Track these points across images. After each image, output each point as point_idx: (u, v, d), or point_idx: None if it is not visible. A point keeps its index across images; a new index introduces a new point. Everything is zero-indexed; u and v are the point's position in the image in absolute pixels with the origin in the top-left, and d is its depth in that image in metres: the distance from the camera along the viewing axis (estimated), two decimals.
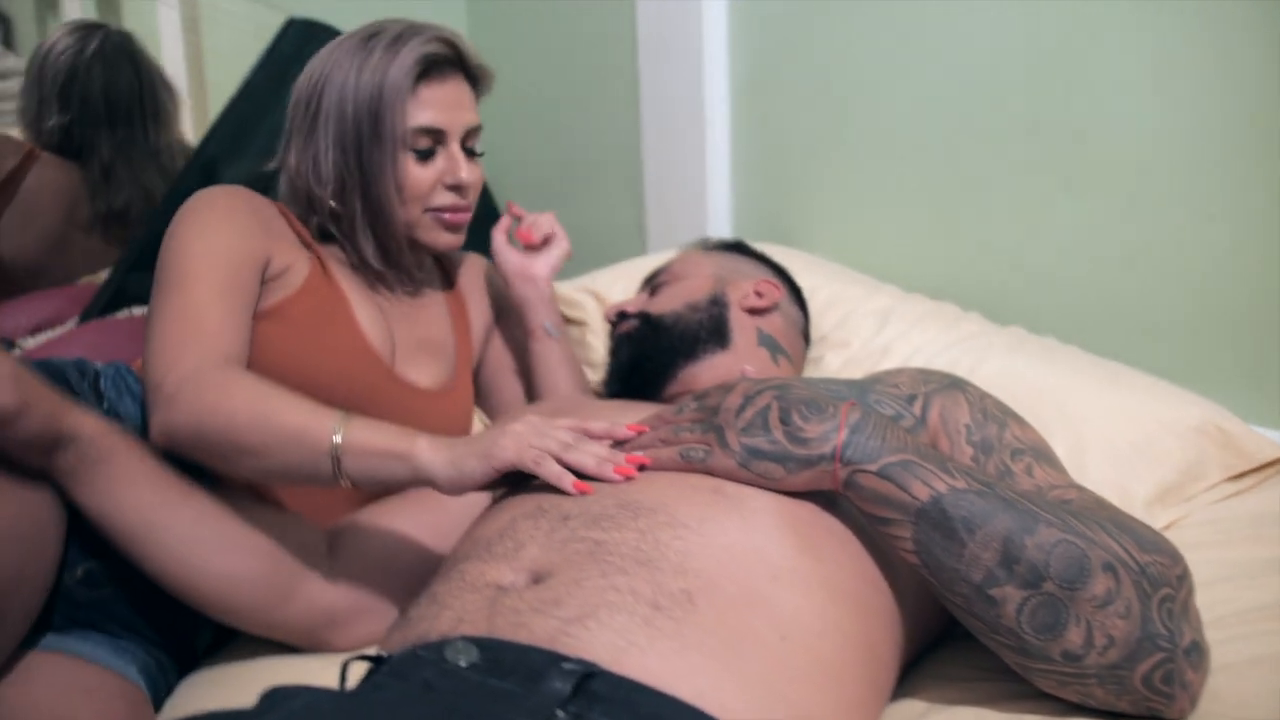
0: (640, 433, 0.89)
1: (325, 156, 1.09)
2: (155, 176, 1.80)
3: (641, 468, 0.85)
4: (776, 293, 1.18)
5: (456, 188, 1.12)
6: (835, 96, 1.56)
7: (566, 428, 0.87)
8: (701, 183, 1.72)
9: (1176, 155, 1.21)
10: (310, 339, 1.06)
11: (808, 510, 0.80)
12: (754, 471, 0.80)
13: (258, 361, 1.02)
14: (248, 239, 1.04)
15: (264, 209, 1.10)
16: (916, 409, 0.94)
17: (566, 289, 1.52)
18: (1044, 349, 1.23)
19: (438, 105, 1.09)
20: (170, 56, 2.44)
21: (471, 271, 1.31)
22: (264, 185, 1.16)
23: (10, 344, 1.48)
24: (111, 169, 1.74)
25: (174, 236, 1.02)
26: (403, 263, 1.16)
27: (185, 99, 2.43)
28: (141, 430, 0.98)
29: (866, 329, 1.31)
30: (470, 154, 1.14)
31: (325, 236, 1.15)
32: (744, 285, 1.18)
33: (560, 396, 1.22)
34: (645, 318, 1.17)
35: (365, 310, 1.12)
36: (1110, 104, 1.25)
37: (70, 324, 1.55)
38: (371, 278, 1.16)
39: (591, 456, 0.84)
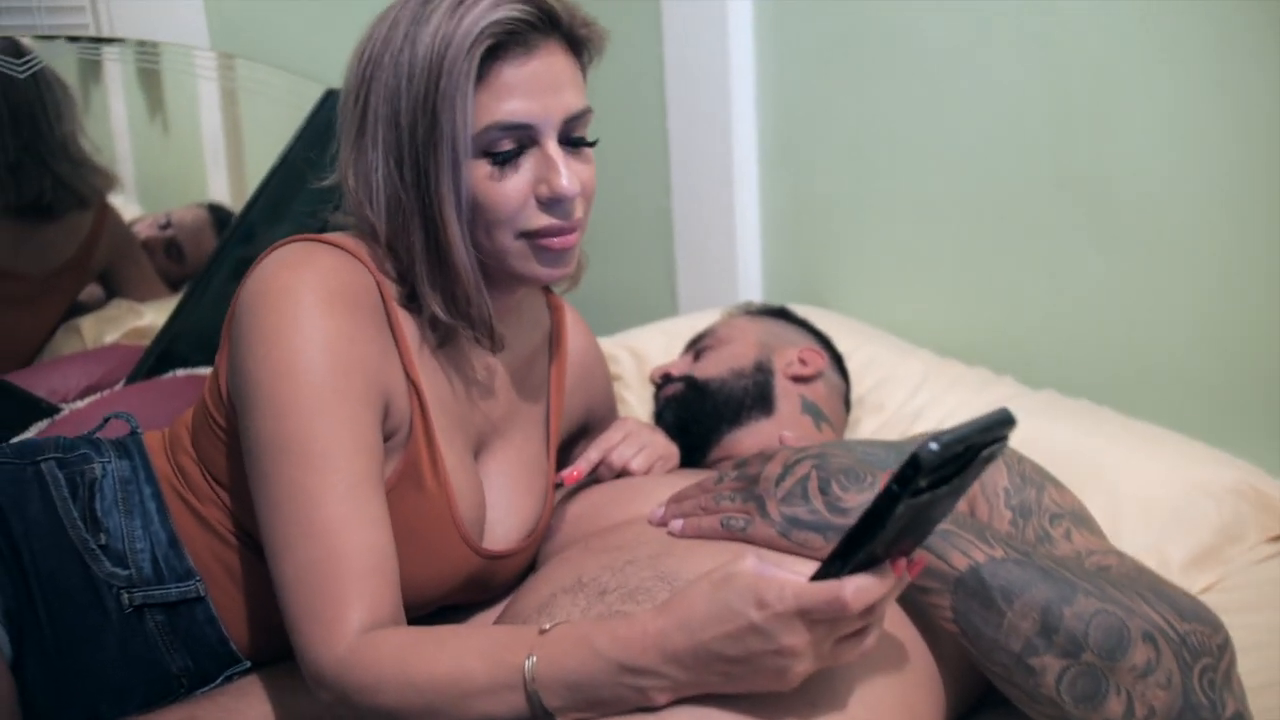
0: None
1: (376, 171, 0.84)
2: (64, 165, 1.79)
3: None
4: (820, 360, 1.19)
5: (555, 202, 0.85)
6: (863, 157, 1.59)
7: None
8: (731, 244, 1.75)
9: (1205, 211, 1.22)
10: (404, 547, 0.83)
11: None
12: (793, 541, 0.82)
13: None
14: (369, 378, 0.82)
15: (365, 297, 0.85)
16: None
17: (604, 344, 1.54)
18: (1077, 411, 1.24)
19: (522, 89, 0.81)
20: (209, 125, 2.52)
21: (578, 347, 1.09)
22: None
23: (56, 408, 1.52)
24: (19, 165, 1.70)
25: (269, 360, 0.80)
26: (482, 316, 0.88)
27: (223, 163, 2.50)
28: (124, 541, 0.91)
29: (901, 393, 1.33)
30: (576, 146, 0.87)
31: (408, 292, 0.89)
32: (789, 352, 1.19)
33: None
34: (690, 382, 1.18)
35: (456, 457, 0.91)
36: (1137, 160, 1.26)
37: (118, 386, 1.59)
38: (456, 351, 0.93)
39: None
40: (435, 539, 0.89)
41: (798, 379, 1.17)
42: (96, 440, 0.98)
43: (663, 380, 1.23)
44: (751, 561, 0.66)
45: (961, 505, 0.94)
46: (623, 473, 1.04)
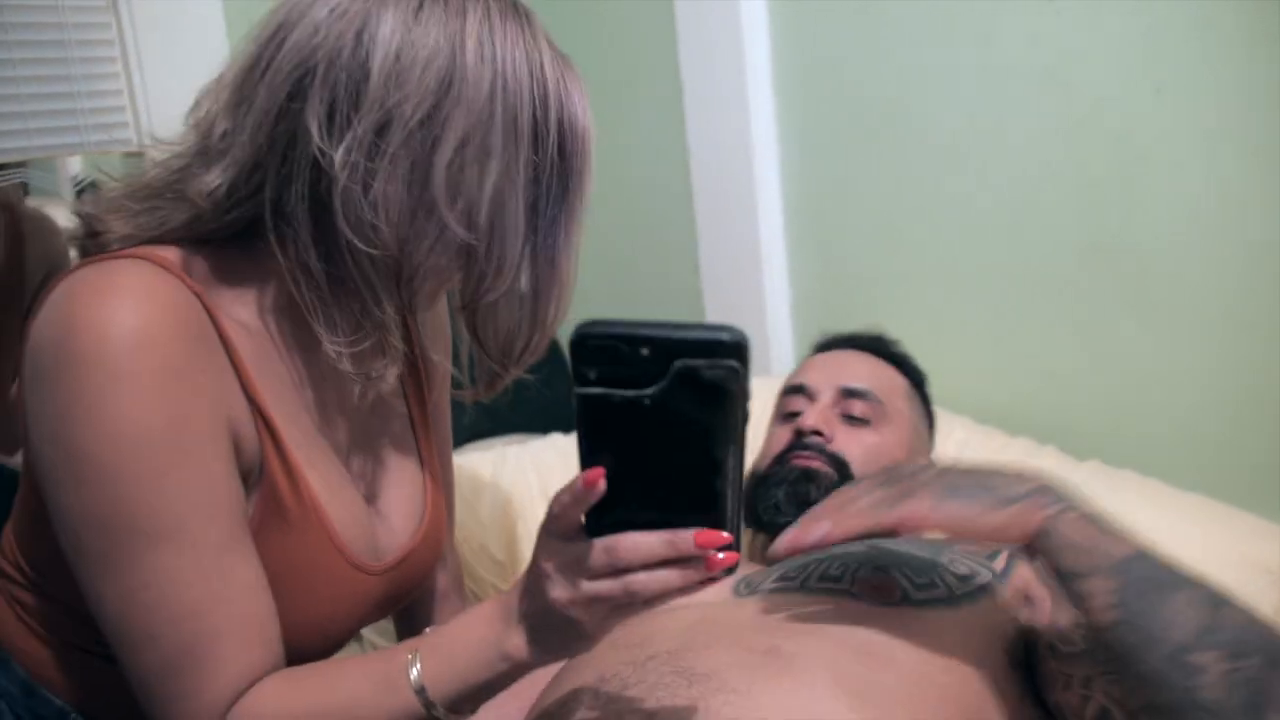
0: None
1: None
2: None
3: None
4: None
5: None
6: (889, 231, 1.60)
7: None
8: (761, 319, 1.76)
9: (1239, 276, 1.22)
10: (290, 589, 0.78)
11: (863, 668, 0.80)
12: (947, 512, 0.76)
13: None
14: (213, 417, 0.73)
15: (188, 314, 0.72)
16: (999, 565, 0.94)
17: None
18: (1123, 483, 1.23)
19: None
20: None
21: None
22: None
23: None
24: None
25: (92, 424, 0.67)
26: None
27: None
28: None
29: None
30: None
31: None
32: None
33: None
34: (843, 468, 1.09)
35: (321, 477, 0.82)
36: (1165, 226, 1.26)
37: None
38: (291, 354, 0.81)
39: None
40: (321, 572, 0.81)
41: None
42: None
43: (812, 436, 1.11)
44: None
45: (1008, 594, 0.92)
46: None
